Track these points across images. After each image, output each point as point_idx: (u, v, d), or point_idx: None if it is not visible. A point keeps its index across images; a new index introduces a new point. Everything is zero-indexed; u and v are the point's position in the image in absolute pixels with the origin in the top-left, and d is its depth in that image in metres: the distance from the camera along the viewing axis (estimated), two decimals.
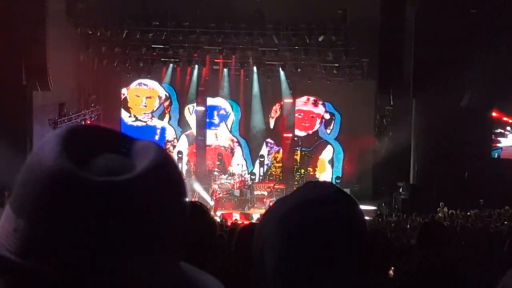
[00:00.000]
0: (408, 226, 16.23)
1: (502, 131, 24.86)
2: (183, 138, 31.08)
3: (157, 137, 31.04)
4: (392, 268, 4.34)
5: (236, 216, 24.18)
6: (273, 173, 30.50)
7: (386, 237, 4.51)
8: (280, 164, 30.59)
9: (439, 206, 21.58)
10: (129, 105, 30.96)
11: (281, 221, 1.45)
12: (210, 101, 30.34)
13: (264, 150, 30.56)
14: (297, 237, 1.43)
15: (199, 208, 3.70)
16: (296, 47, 27.68)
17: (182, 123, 31.00)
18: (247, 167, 30.40)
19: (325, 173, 30.21)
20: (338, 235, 1.43)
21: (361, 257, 1.46)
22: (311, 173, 30.14)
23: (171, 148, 31.05)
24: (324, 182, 1.61)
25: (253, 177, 29.62)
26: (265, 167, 30.56)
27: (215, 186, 26.74)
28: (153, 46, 28.41)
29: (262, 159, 30.44)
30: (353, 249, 1.45)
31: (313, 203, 1.46)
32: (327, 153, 30.36)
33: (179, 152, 30.58)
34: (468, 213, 18.68)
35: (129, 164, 0.98)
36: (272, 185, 28.32)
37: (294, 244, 1.42)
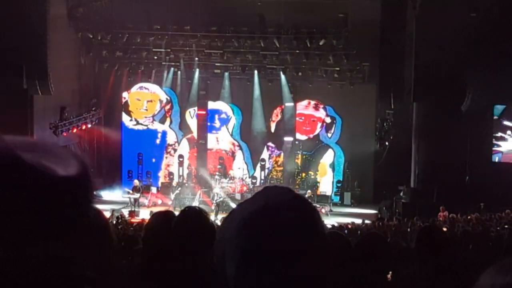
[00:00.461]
0: (408, 230, 16.23)
1: (503, 134, 24.85)
2: (184, 142, 31.07)
3: (158, 141, 31.07)
4: (390, 272, 4.34)
5: None
6: (274, 176, 30.47)
7: (384, 241, 4.51)
8: (281, 168, 30.58)
9: (439, 210, 21.61)
10: (130, 108, 30.95)
11: (240, 228, 1.44)
12: (211, 104, 30.33)
13: (265, 154, 30.55)
14: (254, 245, 1.41)
15: (198, 213, 3.71)
16: (297, 51, 27.69)
17: (183, 127, 30.99)
18: (248, 171, 30.38)
19: (326, 177, 30.19)
20: (296, 243, 1.42)
21: (322, 265, 1.45)
22: (312, 177, 30.14)
23: (172, 151, 31.07)
24: (283, 188, 1.57)
25: (254, 181, 29.60)
26: (266, 171, 30.55)
27: (216, 190, 26.71)
28: (154, 49, 28.45)
29: (263, 163, 30.43)
30: (313, 257, 1.44)
31: (271, 210, 1.44)
32: (328, 157, 30.34)
33: (180, 156, 30.59)
34: (469, 217, 18.68)
35: (52, 163, 1.19)
36: None
37: (252, 252, 1.41)
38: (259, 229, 1.43)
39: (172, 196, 26.67)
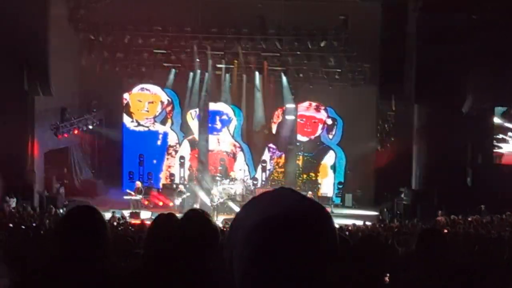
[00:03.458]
0: (409, 232, 16.21)
1: (504, 136, 24.84)
2: (185, 143, 31.08)
3: (159, 142, 31.08)
4: (388, 274, 4.34)
5: None
6: (276, 178, 30.47)
7: (381, 244, 4.50)
8: (282, 169, 30.57)
9: (440, 212, 21.60)
10: (131, 110, 30.96)
11: (250, 232, 1.41)
12: (212, 106, 30.30)
13: (266, 155, 30.55)
14: (263, 251, 1.38)
15: (201, 215, 3.72)
16: (298, 52, 27.70)
17: (184, 128, 30.99)
18: (249, 172, 30.37)
19: (327, 179, 30.19)
20: (304, 251, 1.39)
21: (328, 275, 1.42)
22: (313, 178, 30.14)
23: (173, 153, 31.07)
24: (295, 193, 1.51)
25: (255, 182, 29.61)
26: (267, 172, 30.55)
27: (215, 191, 26.61)
28: (155, 51, 28.44)
29: (264, 164, 30.44)
30: (320, 266, 1.41)
31: (282, 217, 1.40)
32: (329, 159, 30.34)
33: (181, 157, 30.59)
34: (469, 219, 18.68)
35: None
36: None
37: (260, 258, 1.38)
38: (267, 235, 1.39)
39: (178, 200, 26.22)
